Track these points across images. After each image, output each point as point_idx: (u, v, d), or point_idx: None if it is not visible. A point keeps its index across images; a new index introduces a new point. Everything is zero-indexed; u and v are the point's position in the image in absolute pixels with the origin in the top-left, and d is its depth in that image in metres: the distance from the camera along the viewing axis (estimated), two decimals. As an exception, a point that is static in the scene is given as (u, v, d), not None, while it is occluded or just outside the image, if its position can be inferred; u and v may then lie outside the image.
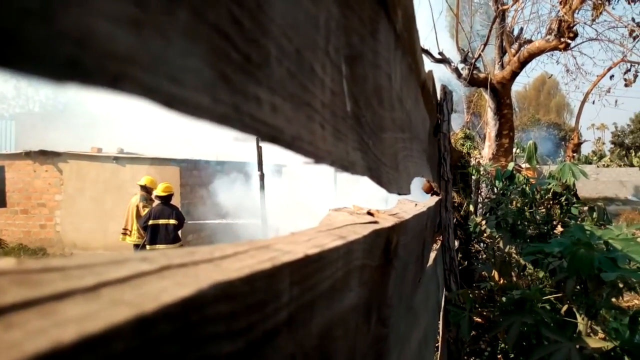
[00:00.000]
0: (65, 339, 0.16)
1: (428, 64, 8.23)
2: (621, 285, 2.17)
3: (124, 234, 7.63)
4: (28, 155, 11.41)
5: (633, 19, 8.12)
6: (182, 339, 0.23)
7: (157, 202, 7.13)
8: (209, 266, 0.31)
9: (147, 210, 7.23)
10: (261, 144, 7.70)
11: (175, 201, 8.23)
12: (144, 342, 0.20)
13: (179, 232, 7.15)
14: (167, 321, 0.21)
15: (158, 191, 7.06)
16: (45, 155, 11.30)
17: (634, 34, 8.06)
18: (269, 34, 0.32)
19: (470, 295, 2.55)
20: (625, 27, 8.07)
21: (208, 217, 10.31)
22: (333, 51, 0.48)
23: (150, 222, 6.88)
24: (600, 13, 7.29)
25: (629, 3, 7.63)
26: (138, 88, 0.19)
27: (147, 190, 7.59)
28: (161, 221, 6.89)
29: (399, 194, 1.06)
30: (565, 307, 2.38)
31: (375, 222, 0.78)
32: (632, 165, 25.62)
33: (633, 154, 29.79)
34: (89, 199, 10.91)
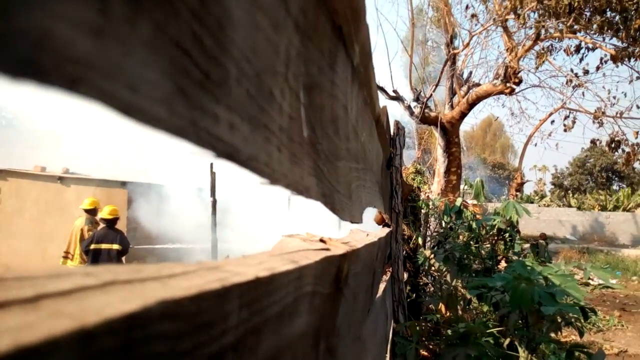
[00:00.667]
0: (1, 349, 0.15)
1: (382, 101, 8.54)
2: (559, 320, 2.27)
3: (65, 257, 7.19)
4: (-36, 171, 10.65)
5: (572, 70, 8.85)
6: (125, 356, 0.22)
7: (102, 225, 6.81)
8: (156, 284, 0.30)
9: (90, 231, 6.90)
10: (215, 170, 7.54)
11: (122, 225, 7.88)
12: (85, 356, 0.19)
13: (123, 259, 6.83)
14: (109, 336, 0.21)
15: (104, 214, 6.74)
16: (-17, 172, 10.59)
17: (572, 84, 8.76)
18: (230, 54, 0.33)
19: (417, 327, 2.58)
20: (565, 76, 8.77)
21: (156, 242, 9.94)
22: (292, 78, 0.50)
23: (92, 246, 6.53)
24: (543, 62, 7.89)
25: (567, 55, 8.30)
26: (95, 93, 0.19)
27: (92, 213, 7.24)
28: (104, 246, 6.55)
29: (351, 222, 1.07)
30: (507, 341, 2.45)
31: (327, 250, 0.79)
32: (570, 205, 27.21)
33: (571, 195, 31.71)
34: (28, 220, 10.26)
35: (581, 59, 8.55)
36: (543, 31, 7.34)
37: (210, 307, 0.32)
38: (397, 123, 2.86)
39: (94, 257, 6.50)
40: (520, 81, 7.50)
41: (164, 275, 0.33)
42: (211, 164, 7.89)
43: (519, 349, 2.24)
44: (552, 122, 10.72)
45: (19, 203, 10.41)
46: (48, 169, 11.17)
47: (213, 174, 7.95)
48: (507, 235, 3.91)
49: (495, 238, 3.91)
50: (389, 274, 2.61)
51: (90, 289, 0.24)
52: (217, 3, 0.30)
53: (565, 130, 9.44)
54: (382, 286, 2.11)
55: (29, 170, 10.91)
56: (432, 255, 3.96)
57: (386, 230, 2.46)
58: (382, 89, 8.01)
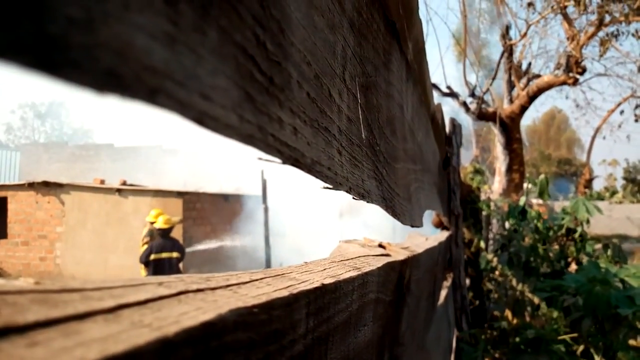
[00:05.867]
0: (90, 359, 0.15)
1: (436, 98, 8.31)
2: (639, 326, 2.10)
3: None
4: (31, 186, 11.44)
5: (641, 55, 8.22)
6: (202, 366, 0.22)
7: (156, 235, 7.03)
8: (227, 292, 0.30)
9: (145, 243, 7.12)
10: (265, 176, 7.63)
11: (177, 234, 8.16)
12: (166, 367, 0.19)
13: (180, 265, 7.05)
14: (188, 346, 0.21)
15: (159, 224, 6.96)
16: (48, 187, 11.33)
17: (644, 70, 8.15)
18: (290, 57, 0.32)
19: (483, 336, 2.48)
20: (634, 62, 8.17)
21: (212, 252, 10.23)
22: (349, 79, 0.49)
23: (153, 256, 6.75)
24: (607, 49, 7.41)
25: (636, 39, 7.73)
26: (172, 103, 0.19)
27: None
28: (164, 255, 6.77)
29: (412, 227, 1.05)
30: (581, 348, 2.30)
31: (388, 255, 0.77)
32: (644, 201, 25.19)
33: (646, 190, 29.30)
34: (90, 231, 10.85)
35: (651, 43, 7.92)
36: (607, 16, 6.88)
37: (280, 316, 0.32)
38: (452, 120, 2.78)
39: (156, 267, 6.72)
40: (584, 70, 7.07)
41: (233, 283, 0.33)
42: (262, 171, 7.99)
43: (595, 356, 2.09)
44: (622, 112, 10.04)
45: (82, 215, 11.04)
46: (107, 182, 11.80)
47: (264, 181, 8.04)
48: (577, 235, 3.67)
49: (565, 239, 3.69)
50: (449, 280, 2.53)
51: (165, 298, 0.24)
52: (277, 6, 0.30)
53: (636, 121, 8.79)
54: (443, 293, 2.05)
55: (90, 184, 11.59)
56: (496, 259, 3.80)
57: (445, 233, 2.39)
58: (435, 86, 7.82)
